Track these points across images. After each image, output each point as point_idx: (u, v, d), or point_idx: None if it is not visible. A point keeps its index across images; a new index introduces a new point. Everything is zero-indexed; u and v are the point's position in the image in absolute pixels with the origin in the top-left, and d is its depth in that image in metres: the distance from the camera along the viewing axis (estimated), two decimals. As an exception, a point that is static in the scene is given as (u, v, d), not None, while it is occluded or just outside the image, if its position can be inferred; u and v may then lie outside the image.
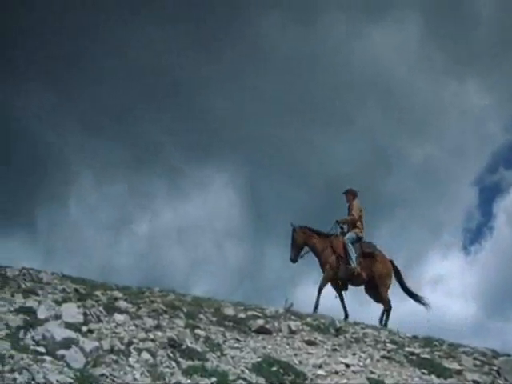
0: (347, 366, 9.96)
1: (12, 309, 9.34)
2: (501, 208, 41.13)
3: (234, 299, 13.62)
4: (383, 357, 10.69)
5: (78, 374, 7.59)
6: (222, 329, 10.70)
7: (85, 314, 9.43)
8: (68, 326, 8.81)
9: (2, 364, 7.45)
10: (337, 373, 9.68)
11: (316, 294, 14.28)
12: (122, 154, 38.91)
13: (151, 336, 9.45)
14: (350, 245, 14.57)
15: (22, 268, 11.75)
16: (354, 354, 10.57)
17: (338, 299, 14.70)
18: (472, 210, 43.66)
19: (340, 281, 14.67)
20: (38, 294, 10.28)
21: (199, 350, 9.44)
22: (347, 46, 41.01)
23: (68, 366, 7.80)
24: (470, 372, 10.59)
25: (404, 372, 10.19)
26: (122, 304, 10.60)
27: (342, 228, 15.04)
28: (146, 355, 8.78)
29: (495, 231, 41.41)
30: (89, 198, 38.10)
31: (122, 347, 8.85)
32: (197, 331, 10.19)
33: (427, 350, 11.54)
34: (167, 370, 8.57)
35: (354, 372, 9.83)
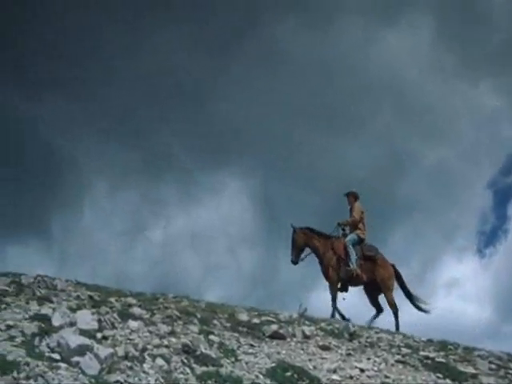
0: (362, 370, 9.93)
1: (27, 316, 9.39)
2: (515, 210, 40.87)
3: (248, 304, 13.66)
4: (398, 361, 10.66)
5: (92, 380, 7.63)
6: (236, 334, 10.70)
7: (99, 321, 9.46)
8: (82, 332, 8.84)
9: (18, 371, 7.50)
10: (351, 378, 9.66)
11: (331, 303, 14.33)
12: (136, 160, 39.06)
13: (165, 342, 9.47)
14: (350, 246, 14.58)
15: (37, 275, 11.80)
16: (368, 359, 10.56)
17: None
18: (486, 213, 43.50)
19: (340, 282, 14.66)
20: (52, 301, 10.32)
21: (213, 355, 9.45)
22: (361, 50, 41.10)
23: (83, 372, 7.83)
24: (485, 376, 10.54)
25: (419, 376, 10.16)
26: (136, 310, 10.62)
27: (343, 230, 15.01)
28: (160, 361, 8.80)
29: (510, 234, 41.29)
30: (103, 205, 38.28)
31: (137, 353, 8.87)
32: (211, 337, 10.20)
33: (442, 353, 11.50)
34: (181, 376, 8.59)
35: (368, 377, 9.81)
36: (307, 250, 14.85)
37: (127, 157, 38.81)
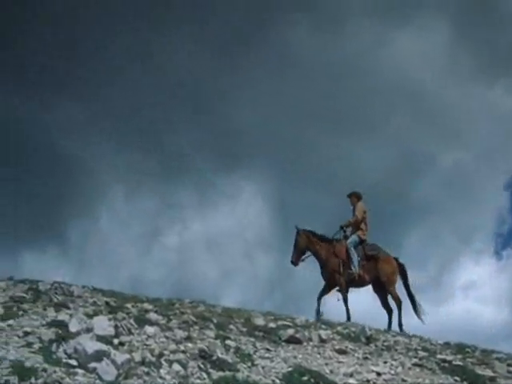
0: (378, 374, 9.92)
1: (44, 322, 9.45)
2: (533, 211, 40.62)
3: (264, 309, 13.66)
4: (415, 364, 10.63)
5: (109, 386, 7.67)
6: (252, 339, 10.71)
7: (116, 327, 9.50)
8: (99, 338, 8.88)
9: (36, 377, 7.55)
10: (368, 381, 9.66)
11: (344, 307, 14.32)
12: (152, 165, 39.15)
13: (182, 347, 9.50)
14: (352, 249, 14.54)
15: (54, 282, 11.86)
16: (385, 362, 10.53)
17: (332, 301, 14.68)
18: (503, 215, 43.24)
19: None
20: (69, 308, 10.37)
21: (230, 360, 9.47)
22: (373, 52, 40.98)
23: (100, 378, 7.88)
24: (503, 379, 10.49)
25: (436, 379, 10.13)
26: (153, 316, 10.64)
27: (344, 232, 14.98)
28: (176, 367, 8.83)
29: (527, 236, 40.91)
30: (119, 211, 38.39)
31: (153, 359, 8.90)
32: (227, 342, 10.21)
33: (459, 356, 11.45)
34: (198, 381, 8.62)
35: (385, 380, 9.80)
36: (308, 253, 14.83)
37: (143, 162, 38.92)
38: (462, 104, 41.50)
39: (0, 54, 36.33)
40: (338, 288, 14.52)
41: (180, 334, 10.05)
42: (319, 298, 14.46)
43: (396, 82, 40.43)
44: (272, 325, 11.53)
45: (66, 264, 32.95)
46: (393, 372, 10.12)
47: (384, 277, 14.54)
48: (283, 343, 10.81)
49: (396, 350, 11.36)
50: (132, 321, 10.08)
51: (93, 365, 8.14)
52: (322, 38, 40.67)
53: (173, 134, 39.53)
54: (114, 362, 8.29)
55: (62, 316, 9.75)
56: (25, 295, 10.83)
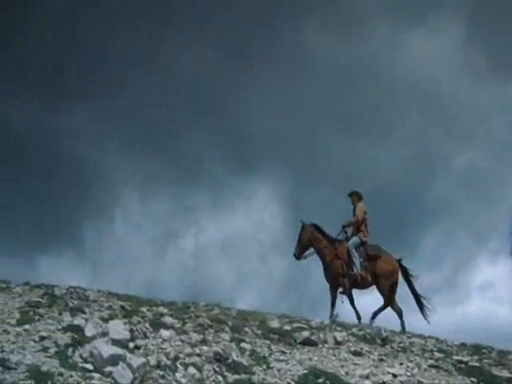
0: (394, 376, 9.89)
1: (60, 327, 9.51)
2: (549, 211, 40.38)
3: (280, 311, 13.65)
4: (431, 366, 10.60)
5: (125, 390, 7.70)
6: (267, 342, 10.71)
7: (131, 331, 9.53)
8: (115, 342, 8.93)
9: (52, 382, 7.62)
10: (384, 383, 9.63)
11: (351, 308, 14.35)
12: (166, 169, 39.21)
13: (197, 351, 9.52)
14: (353, 250, 14.53)
15: (69, 286, 11.92)
16: (401, 364, 10.50)
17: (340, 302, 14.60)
18: (519, 214, 42.92)
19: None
20: (85, 312, 10.41)
21: (245, 363, 9.49)
22: (387, 53, 40.90)
23: (116, 382, 7.93)
24: (520, 379, 10.44)
25: (452, 381, 10.10)
26: (168, 320, 10.68)
27: (346, 233, 14.97)
28: (192, 370, 8.86)
29: (544, 236, 40.66)
30: (134, 215, 38.46)
31: (169, 363, 8.94)
32: (242, 345, 10.23)
33: (476, 357, 11.40)
34: (214, 384, 8.65)
35: (401, 382, 9.78)
36: (311, 250, 14.82)
37: (157, 165, 39.02)
38: (476, 104, 41.31)
39: (6, 56, 36.42)
40: (341, 290, 14.53)
41: (195, 337, 10.07)
42: (333, 304, 14.47)
43: (410, 82, 40.30)
44: (287, 327, 11.52)
45: (82, 268, 33.08)
46: (409, 373, 10.10)
47: (380, 274, 14.50)
48: (298, 345, 10.81)
49: (412, 351, 11.32)
50: (147, 324, 10.12)
51: (108, 369, 8.18)
52: (335, 39, 40.69)
53: (187, 136, 39.58)
54: (129, 365, 8.33)
55: (78, 320, 9.81)
56: (41, 300, 10.90)
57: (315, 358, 10.29)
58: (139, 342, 9.43)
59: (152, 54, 39.80)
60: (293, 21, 39.97)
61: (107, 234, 36.73)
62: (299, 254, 14.72)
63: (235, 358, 9.52)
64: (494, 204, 41.11)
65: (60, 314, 10.25)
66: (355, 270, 14.30)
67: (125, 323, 9.77)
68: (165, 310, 11.27)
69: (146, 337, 9.69)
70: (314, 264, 14.96)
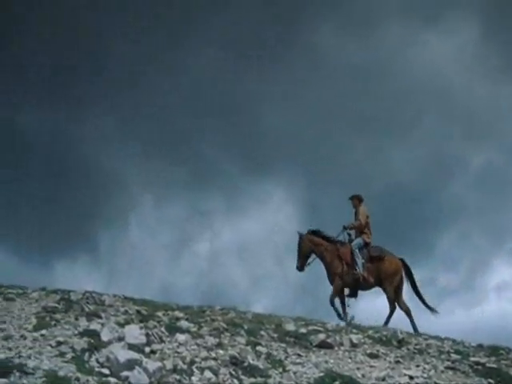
0: (411, 378, 9.85)
1: (76, 332, 9.56)
2: None
3: (295, 314, 13.65)
4: (448, 367, 10.54)
5: (142, 394, 7.73)
6: (283, 345, 10.71)
7: (147, 335, 9.57)
8: (131, 347, 8.97)
9: (69, 387, 7.64)
10: (401, 385, 9.62)
11: (330, 307, 14.34)
12: (180, 173, 39.23)
13: (213, 354, 9.54)
14: (356, 251, 14.55)
15: (85, 291, 11.98)
16: (417, 366, 10.46)
17: (345, 304, 14.61)
18: (537, 214, 42.58)
19: (348, 288, 14.67)
20: (101, 317, 10.46)
21: (261, 366, 9.49)
22: (403, 53, 40.78)
23: (132, 386, 7.95)
24: (538, 380, 10.37)
25: (470, 382, 10.06)
26: (184, 324, 10.71)
27: (349, 235, 14.98)
28: (208, 374, 8.87)
29: (561, 235, 40.31)
30: (149, 219, 38.53)
31: (185, 367, 8.96)
32: (258, 348, 10.23)
33: (493, 359, 11.33)
34: (230, 387, 8.66)
35: (418, 384, 9.75)
36: (313, 256, 14.84)
37: (171, 169, 39.08)
38: (492, 103, 41.07)
39: (19, 60, 36.65)
40: (347, 293, 14.61)
41: (211, 341, 10.09)
42: (343, 303, 14.49)
43: (425, 82, 40.17)
44: (303, 330, 11.51)
45: (97, 272, 33.19)
46: (425, 375, 10.05)
47: (383, 275, 14.50)
48: (314, 348, 10.79)
49: (428, 353, 11.27)
50: (163, 329, 10.16)
51: (125, 373, 8.21)
52: (350, 40, 40.61)
53: (200, 140, 39.64)
54: (145, 370, 8.36)
55: (94, 325, 9.85)
56: (57, 305, 10.97)
57: (331, 361, 10.27)
58: (155, 346, 9.47)
59: (166, 57, 39.86)
60: (307, 21, 39.98)
61: (122, 239, 36.83)
62: (302, 266, 14.77)
63: (251, 362, 9.53)
64: (511, 204, 40.88)
65: (76, 319, 10.30)
66: (358, 269, 14.34)
67: (141, 328, 9.81)
68: (180, 314, 11.30)
69: (161, 341, 9.73)
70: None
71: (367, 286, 14.63)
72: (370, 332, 12.08)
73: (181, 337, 10.01)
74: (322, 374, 9.50)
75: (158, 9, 37.37)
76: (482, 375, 10.38)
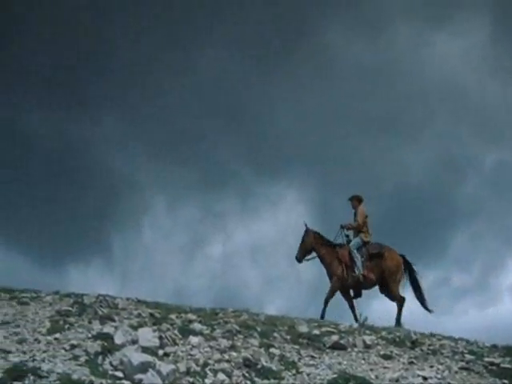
0: (425, 378, 9.82)
1: (90, 335, 9.59)
2: None
3: (308, 316, 13.66)
4: (462, 368, 10.50)
5: (155, 397, 7.75)
6: (296, 346, 10.71)
7: (160, 338, 9.59)
8: (144, 350, 9.00)
9: (83, 390, 7.67)
10: (414, 386, 9.59)
11: (322, 306, 14.34)
12: (193, 175, 39.26)
13: (226, 357, 9.55)
14: (355, 251, 14.64)
15: (98, 295, 12.04)
16: (431, 367, 10.42)
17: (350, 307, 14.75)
18: (551, 215, 42.31)
19: (351, 289, 14.73)
20: (114, 320, 10.50)
21: (274, 368, 9.49)
22: (413, 54, 40.68)
23: (146, 389, 7.96)
24: (553, 381, 10.31)
25: (484, 383, 10.01)
26: (197, 326, 10.73)
27: (347, 236, 15.02)
28: (221, 376, 8.88)
29: None
30: (162, 222, 38.61)
31: (198, 369, 8.98)
32: (271, 350, 10.24)
33: (508, 359, 11.25)
34: (243, 389, 8.67)
35: (432, 385, 9.72)
36: (313, 254, 14.96)
37: (184, 172, 39.12)
38: (504, 104, 40.89)
39: (31, 63, 36.81)
40: (352, 295, 14.68)
41: (224, 343, 10.11)
42: (352, 307, 14.58)
43: (436, 83, 40.06)
44: (316, 332, 11.51)
45: (110, 276, 33.30)
46: (439, 376, 10.01)
47: (386, 273, 14.54)
48: (327, 350, 10.78)
49: (442, 353, 11.24)
50: (176, 331, 10.19)
51: (138, 376, 8.23)
52: (359, 40, 40.50)
53: (212, 143, 39.64)
54: (159, 372, 8.38)
55: (108, 328, 9.88)
56: (70, 309, 11.02)
57: (345, 362, 10.26)
58: (168, 349, 9.49)
59: (177, 59, 39.93)
60: (315, 22, 39.96)
61: (135, 242, 36.93)
62: (301, 257, 14.94)
63: (264, 364, 9.54)
64: (526, 204, 40.64)
65: (90, 322, 10.34)
66: (356, 271, 14.38)
67: (154, 330, 9.84)
68: (193, 317, 11.33)
69: (175, 344, 9.75)
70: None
71: (370, 285, 14.70)
72: (384, 333, 12.06)
73: (194, 339, 10.03)
74: (335, 376, 9.49)
75: (160, 9, 37.42)
76: (496, 376, 10.33)
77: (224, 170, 38.82)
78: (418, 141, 39.64)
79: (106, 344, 9.17)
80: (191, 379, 8.63)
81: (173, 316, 11.22)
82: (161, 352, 9.29)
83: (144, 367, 8.35)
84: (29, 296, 12.21)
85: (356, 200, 15.23)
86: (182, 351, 9.55)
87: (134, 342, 9.33)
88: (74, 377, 8.01)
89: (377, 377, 9.78)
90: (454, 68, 40.41)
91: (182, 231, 38.44)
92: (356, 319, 14.09)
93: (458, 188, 38.32)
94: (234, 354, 9.72)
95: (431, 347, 11.52)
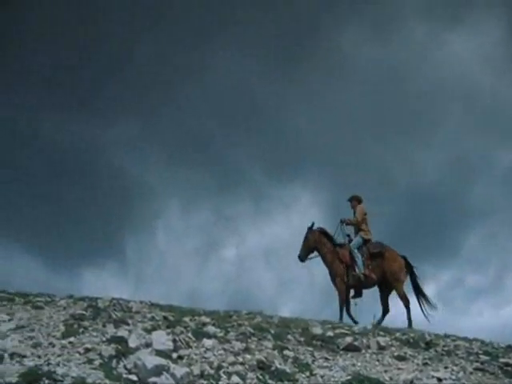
0: (439, 380, 9.79)
1: (104, 339, 9.62)
2: None
3: (323, 318, 13.67)
4: (476, 369, 10.45)
5: (169, 400, 7.76)
6: (310, 348, 10.71)
7: (174, 341, 9.62)
8: (158, 353, 9.02)
9: (97, 393, 7.69)
10: (429, 387, 9.56)
11: (340, 312, 14.39)
12: (206, 179, 39.34)
13: (240, 359, 9.56)
14: (355, 251, 14.73)
15: (112, 298, 12.07)
16: (445, 368, 10.39)
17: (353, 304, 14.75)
18: None
19: (352, 288, 14.74)
20: (128, 324, 10.52)
21: (288, 370, 9.49)
22: (427, 55, 40.64)
23: (160, 392, 7.98)
24: None
25: (499, 384, 9.97)
26: (211, 329, 10.74)
27: (348, 236, 15.09)
28: (235, 378, 8.89)
29: None
30: (176, 225, 38.70)
31: (212, 372, 8.99)
32: (285, 352, 10.24)
33: (523, 359, 11.23)
34: (257, 392, 8.67)
35: (446, 386, 9.68)
36: (316, 253, 15.04)
37: (197, 175, 39.16)
38: (519, 102, 40.70)
39: (43, 66, 36.93)
40: (352, 294, 14.72)
41: (238, 345, 10.12)
42: (347, 312, 14.56)
43: (451, 82, 39.99)
44: (330, 333, 11.50)
45: (124, 279, 33.40)
46: (454, 377, 9.98)
47: (390, 276, 14.54)
48: (341, 351, 10.78)
49: (457, 354, 11.20)
50: (190, 334, 10.20)
51: (153, 379, 8.25)
52: (377, 42, 40.50)
53: (226, 145, 39.69)
54: (173, 375, 8.40)
55: (122, 332, 9.91)
56: (85, 312, 11.05)
57: (359, 364, 10.25)
58: (182, 351, 9.51)
59: (189, 61, 39.99)
60: (330, 23, 40.00)
61: (149, 246, 37.03)
62: (304, 256, 15.00)
63: (278, 366, 9.54)
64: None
65: (104, 325, 10.37)
66: (357, 270, 14.40)
67: (168, 333, 9.86)
68: (207, 320, 11.33)
69: (189, 346, 9.77)
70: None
71: (370, 284, 14.71)
72: (397, 334, 12.04)
73: (208, 342, 10.05)
74: (349, 377, 9.48)
75: (173, 10, 37.50)
76: (511, 376, 10.28)
77: (237, 173, 38.89)
78: (431, 141, 39.57)
79: (120, 347, 9.20)
80: (205, 382, 8.65)
81: (187, 319, 11.23)
82: (175, 355, 9.30)
83: (158, 370, 8.38)
84: (43, 300, 12.27)
85: (355, 200, 15.40)
86: (196, 354, 9.56)
87: (148, 345, 9.35)
88: (89, 380, 8.04)
89: (391, 378, 9.76)
90: (467, 68, 40.34)
91: (196, 234, 38.53)
92: (341, 317, 14.15)
93: (472, 188, 38.21)
94: (248, 356, 9.73)
95: (446, 348, 11.48)
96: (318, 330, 11.65)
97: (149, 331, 9.99)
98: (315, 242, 14.92)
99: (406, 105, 38.95)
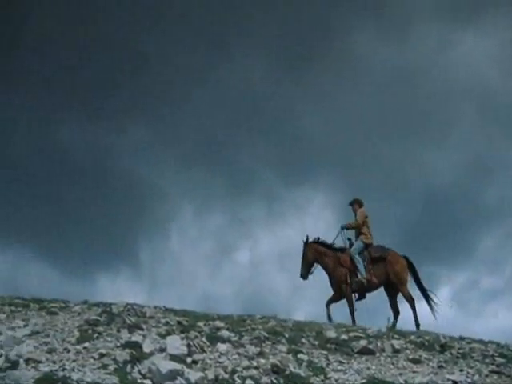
0: (455, 382, 9.75)
1: (118, 344, 9.65)
2: None
3: (336, 321, 13.64)
4: (492, 371, 10.40)
5: (184, 404, 7.77)
6: (324, 352, 10.68)
7: (188, 346, 9.63)
8: (173, 358, 9.04)
9: (112, 399, 7.72)
10: (444, 390, 9.52)
11: (351, 316, 14.46)
12: (219, 182, 39.38)
13: (254, 363, 9.55)
14: (356, 256, 14.71)
15: (126, 304, 12.09)
16: (461, 371, 10.34)
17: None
18: None
19: (355, 293, 14.73)
20: (142, 329, 10.54)
21: (303, 374, 9.48)
22: (440, 55, 40.55)
23: (174, 397, 8.00)
24: None
25: (515, 386, 9.91)
26: (225, 333, 10.74)
27: (349, 239, 15.05)
28: (250, 383, 8.90)
29: None
30: (189, 229, 38.77)
31: (226, 376, 8.99)
32: (300, 356, 10.22)
33: (539, 362, 11.16)
34: (272, 396, 8.66)
35: (462, 389, 9.64)
36: (316, 265, 14.99)
37: (210, 179, 39.22)
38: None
39: (57, 72, 37.11)
40: (356, 298, 14.73)
41: (252, 349, 10.11)
42: (327, 305, 14.61)
43: (464, 83, 39.90)
44: (344, 337, 11.46)
45: (138, 284, 33.49)
46: (469, 380, 9.93)
47: (394, 277, 14.55)
48: (356, 355, 10.74)
49: (472, 357, 11.14)
50: (204, 339, 10.21)
51: (167, 384, 8.27)
52: (388, 43, 40.50)
53: (238, 148, 39.70)
54: (187, 380, 8.43)
55: (136, 337, 9.94)
56: (99, 318, 11.07)
57: (373, 367, 10.22)
58: (197, 356, 9.51)
59: (201, 65, 40.06)
60: (342, 25, 40.02)
61: (163, 250, 37.10)
62: (305, 274, 14.95)
63: (293, 370, 9.53)
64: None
65: (118, 331, 10.39)
66: (359, 276, 14.39)
67: (182, 338, 9.88)
68: (221, 324, 11.33)
69: (203, 351, 9.77)
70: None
71: (373, 288, 14.72)
72: (412, 337, 11.99)
73: (222, 346, 10.05)
74: (364, 381, 9.46)
75: (184, 13, 37.60)
76: (527, 379, 10.24)
77: (250, 176, 38.89)
78: (445, 142, 39.44)
79: (134, 352, 9.23)
80: (220, 386, 8.67)
81: (201, 323, 11.24)
82: (189, 360, 9.32)
83: (172, 375, 8.40)
84: (58, 306, 12.30)
85: (357, 203, 15.44)
86: (211, 358, 9.57)
87: (163, 350, 9.38)
88: (104, 386, 8.08)
89: (406, 381, 9.73)
90: (481, 68, 40.22)
91: (209, 238, 38.55)
92: (353, 321, 14.19)
93: (486, 189, 38.06)
94: (262, 360, 9.72)
95: (461, 351, 11.43)
96: (332, 334, 11.61)
97: (163, 336, 10.02)
98: (314, 255, 14.89)
99: (418, 106, 38.86)
